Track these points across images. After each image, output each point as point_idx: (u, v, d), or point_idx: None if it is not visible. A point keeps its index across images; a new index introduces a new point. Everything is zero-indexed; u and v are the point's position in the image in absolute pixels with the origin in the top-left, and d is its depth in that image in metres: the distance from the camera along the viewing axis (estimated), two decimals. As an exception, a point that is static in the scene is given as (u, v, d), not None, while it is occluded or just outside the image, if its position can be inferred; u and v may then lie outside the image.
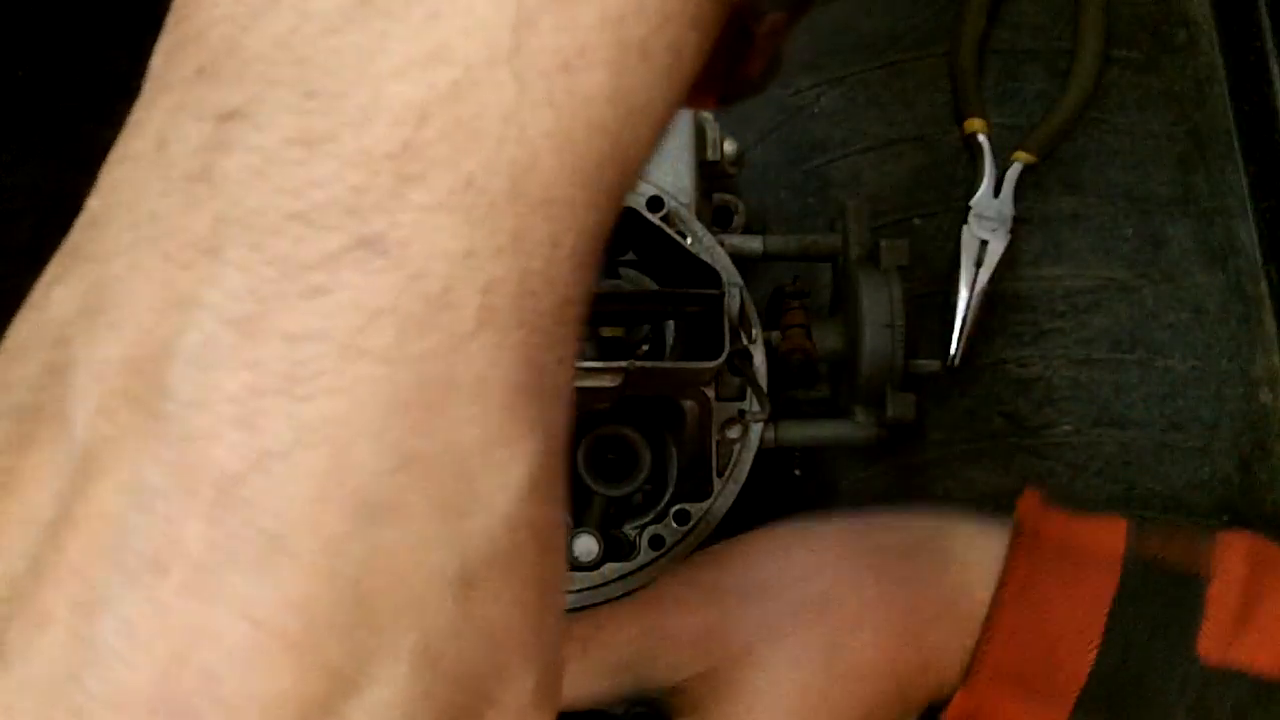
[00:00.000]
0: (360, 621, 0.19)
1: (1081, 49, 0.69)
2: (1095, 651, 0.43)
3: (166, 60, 0.21)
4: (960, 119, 0.69)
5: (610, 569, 0.47)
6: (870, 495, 0.65)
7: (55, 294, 0.20)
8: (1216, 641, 0.44)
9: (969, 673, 0.44)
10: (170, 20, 0.21)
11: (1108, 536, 0.46)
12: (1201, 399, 0.67)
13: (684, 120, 0.53)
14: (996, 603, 0.44)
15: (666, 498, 0.53)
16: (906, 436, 0.64)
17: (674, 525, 0.48)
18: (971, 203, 0.67)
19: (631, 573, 0.48)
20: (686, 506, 0.49)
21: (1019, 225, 0.67)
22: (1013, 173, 0.67)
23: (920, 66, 0.70)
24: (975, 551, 0.47)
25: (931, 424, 0.66)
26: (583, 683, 0.45)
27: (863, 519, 0.50)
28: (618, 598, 0.48)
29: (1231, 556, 0.46)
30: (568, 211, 0.21)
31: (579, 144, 0.21)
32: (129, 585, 0.18)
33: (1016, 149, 0.68)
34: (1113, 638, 0.44)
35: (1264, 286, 0.69)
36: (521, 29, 0.20)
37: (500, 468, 0.20)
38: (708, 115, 0.56)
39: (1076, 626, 0.44)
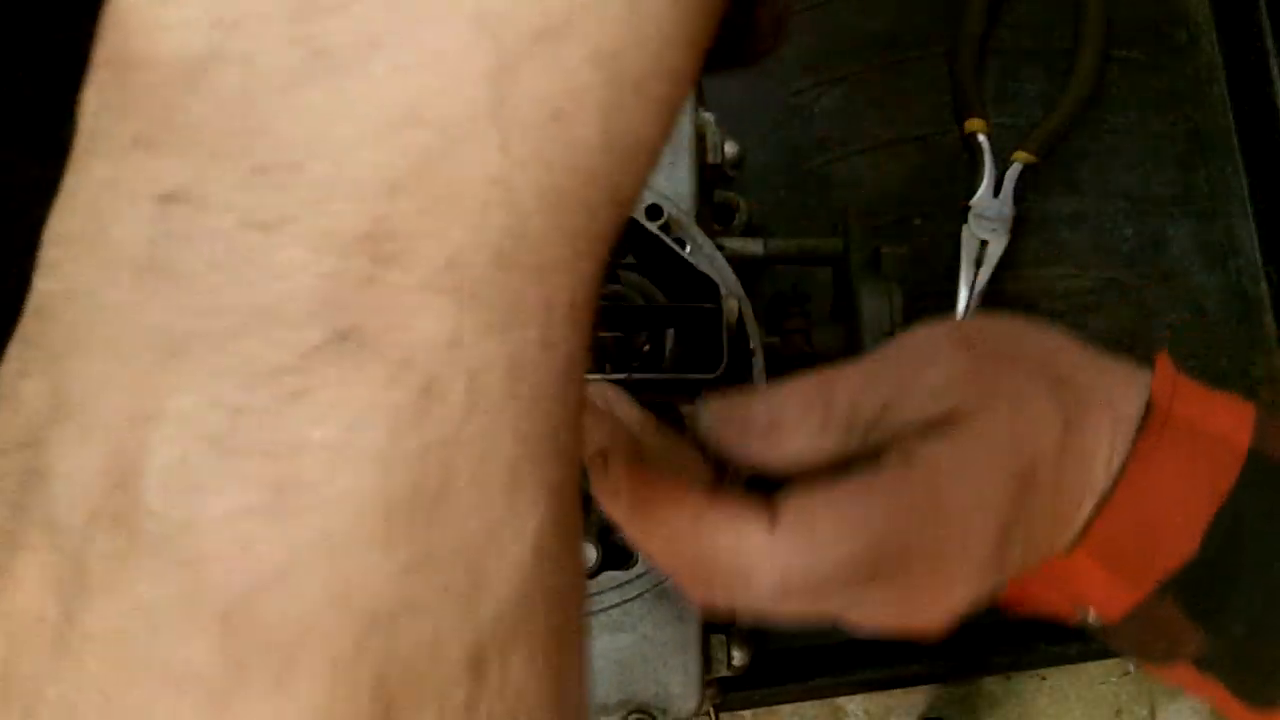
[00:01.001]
0: None
1: (1081, 49, 0.69)
2: (1198, 541, 0.43)
3: (97, 119, 0.19)
4: (960, 119, 0.69)
5: (607, 577, 0.48)
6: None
7: (25, 388, 0.19)
8: None
9: (1076, 540, 0.43)
10: (98, 61, 0.19)
11: (1235, 425, 0.45)
12: (1201, 399, 0.67)
13: (684, 124, 0.53)
14: (1120, 475, 0.43)
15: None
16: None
17: (672, 533, 0.48)
18: (971, 203, 0.67)
19: (628, 581, 0.48)
20: (685, 514, 0.49)
21: (1019, 225, 0.67)
22: (1013, 173, 0.67)
23: (920, 66, 0.70)
24: (1131, 380, 0.46)
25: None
26: (817, 442, 0.43)
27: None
28: (614, 606, 0.48)
29: None
30: (561, 271, 0.19)
31: (572, 199, 0.19)
32: (154, 702, 0.17)
33: (1016, 149, 0.68)
34: (1217, 530, 0.43)
35: (1264, 286, 0.69)
36: (502, 77, 0.18)
37: (505, 549, 0.19)
38: (708, 118, 0.56)
39: (1186, 514, 0.43)
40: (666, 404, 0.52)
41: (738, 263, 0.53)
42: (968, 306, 0.66)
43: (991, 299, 0.66)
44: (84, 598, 0.18)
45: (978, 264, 0.66)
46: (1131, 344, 0.67)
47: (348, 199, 0.17)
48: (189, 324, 0.18)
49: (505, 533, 0.19)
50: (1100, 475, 0.44)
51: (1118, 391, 0.45)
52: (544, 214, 0.19)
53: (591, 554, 0.48)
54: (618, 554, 0.50)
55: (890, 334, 0.52)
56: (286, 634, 0.18)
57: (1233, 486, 0.43)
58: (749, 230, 0.60)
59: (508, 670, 0.20)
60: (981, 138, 0.68)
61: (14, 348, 0.20)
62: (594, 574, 0.48)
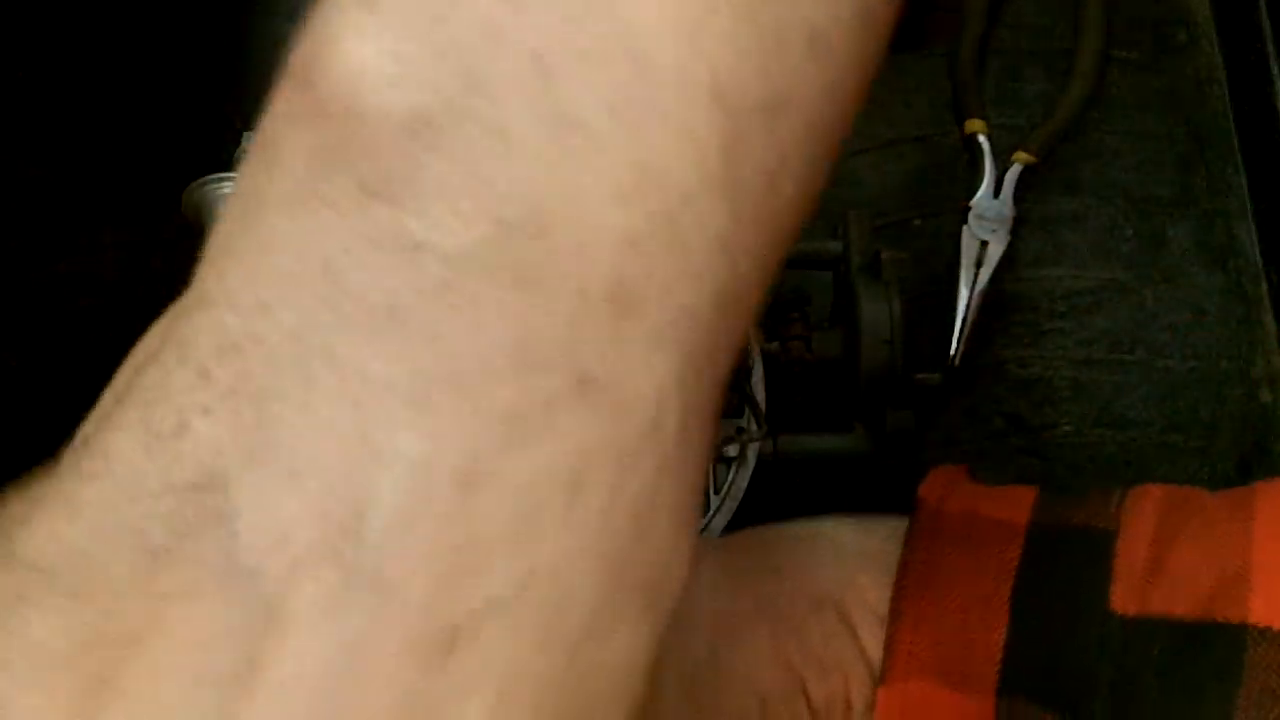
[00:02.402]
0: None
1: (1081, 49, 0.69)
2: (1005, 625, 0.41)
3: (313, 162, 0.19)
4: (960, 119, 0.69)
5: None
6: (869, 496, 0.65)
7: (203, 427, 0.18)
8: (1130, 593, 0.41)
9: (884, 667, 0.42)
10: (303, 108, 0.19)
11: (1014, 506, 0.44)
12: (1201, 399, 0.67)
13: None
14: (899, 587, 0.42)
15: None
16: (905, 444, 0.64)
17: (673, 542, 0.48)
18: (971, 203, 0.67)
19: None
20: (685, 523, 0.49)
21: (1019, 226, 0.67)
22: (1013, 173, 0.67)
23: (920, 66, 0.70)
24: (854, 541, 0.45)
25: (931, 424, 0.66)
26: None
27: (733, 536, 0.48)
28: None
29: (1141, 507, 0.43)
30: (749, 316, 0.21)
31: (773, 253, 0.20)
32: None
33: (1016, 149, 0.68)
34: (1021, 608, 0.41)
35: (1264, 286, 0.69)
36: (734, 147, 0.19)
37: (671, 577, 0.20)
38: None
39: (983, 602, 0.42)
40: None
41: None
42: (968, 307, 0.66)
43: (991, 299, 0.66)
44: (276, 642, 0.18)
45: (978, 265, 0.66)
46: (1131, 344, 0.67)
47: (596, 257, 0.18)
48: (427, 372, 0.18)
49: (674, 561, 0.20)
50: (860, 593, 0.43)
51: (841, 535, 0.45)
52: (753, 270, 0.20)
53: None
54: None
55: (889, 341, 0.52)
56: (500, 669, 0.18)
57: (1020, 561, 0.42)
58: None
59: (657, 684, 0.21)
60: (981, 138, 0.68)
61: (182, 379, 0.19)
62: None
